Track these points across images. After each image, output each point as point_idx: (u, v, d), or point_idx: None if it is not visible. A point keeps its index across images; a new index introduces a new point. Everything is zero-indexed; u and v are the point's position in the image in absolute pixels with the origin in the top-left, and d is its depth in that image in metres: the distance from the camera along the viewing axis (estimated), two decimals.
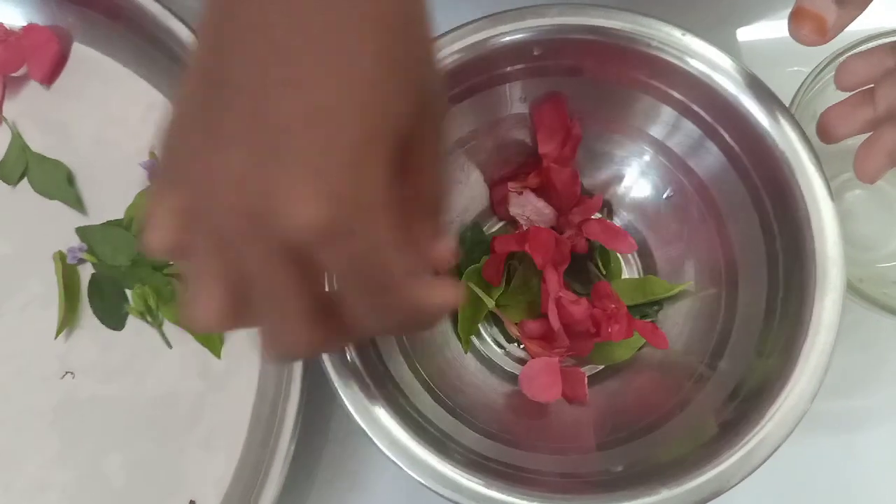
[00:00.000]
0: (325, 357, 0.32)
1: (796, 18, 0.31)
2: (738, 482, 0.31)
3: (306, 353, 0.24)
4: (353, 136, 0.20)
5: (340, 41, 0.20)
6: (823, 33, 0.31)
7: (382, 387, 0.33)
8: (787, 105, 0.35)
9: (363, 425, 0.32)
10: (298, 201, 0.19)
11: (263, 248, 0.20)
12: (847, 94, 0.35)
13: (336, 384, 0.32)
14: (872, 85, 0.34)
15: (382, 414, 0.32)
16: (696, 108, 0.36)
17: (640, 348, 0.41)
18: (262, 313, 0.23)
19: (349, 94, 0.20)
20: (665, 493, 0.31)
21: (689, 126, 0.37)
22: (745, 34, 0.48)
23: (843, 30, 0.31)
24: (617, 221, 0.43)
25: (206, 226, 0.21)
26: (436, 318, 0.25)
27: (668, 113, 0.38)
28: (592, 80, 0.38)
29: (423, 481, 0.31)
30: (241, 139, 0.20)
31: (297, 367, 0.38)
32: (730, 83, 0.34)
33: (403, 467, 0.31)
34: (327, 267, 0.21)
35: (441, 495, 0.31)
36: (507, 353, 0.42)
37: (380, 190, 0.21)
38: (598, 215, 0.42)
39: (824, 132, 0.36)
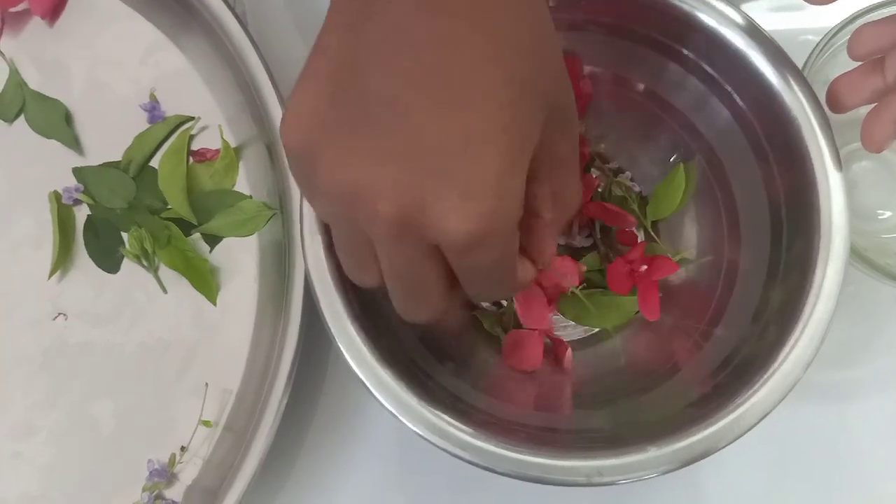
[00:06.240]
0: (322, 306, 0.32)
1: None
2: (728, 444, 0.31)
3: (435, 317, 0.27)
4: (499, 160, 0.22)
5: (482, 66, 0.22)
6: None
7: (379, 335, 0.33)
8: None
9: (358, 372, 0.31)
10: (451, 218, 0.22)
11: (409, 248, 0.24)
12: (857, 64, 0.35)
13: (333, 332, 0.32)
14: (883, 55, 0.34)
15: (377, 361, 0.31)
16: (706, 66, 0.36)
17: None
18: (403, 292, 0.27)
19: (494, 118, 0.22)
20: (653, 452, 0.30)
21: (697, 85, 0.37)
22: (755, 4, 0.47)
23: None
24: None
25: (349, 225, 0.25)
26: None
27: (677, 71, 0.37)
28: (603, 36, 0.37)
29: (416, 429, 0.31)
30: (397, 157, 0.22)
31: (295, 316, 0.38)
32: (742, 42, 0.34)
33: (397, 414, 0.31)
34: (456, 266, 0.25)
35: (433, 444, 0.31)
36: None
37: (516, 209, 0.24)
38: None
39: (834, 101, 0.35)
